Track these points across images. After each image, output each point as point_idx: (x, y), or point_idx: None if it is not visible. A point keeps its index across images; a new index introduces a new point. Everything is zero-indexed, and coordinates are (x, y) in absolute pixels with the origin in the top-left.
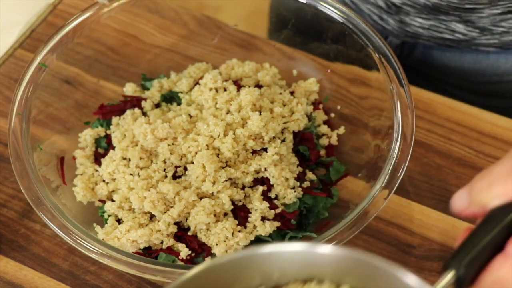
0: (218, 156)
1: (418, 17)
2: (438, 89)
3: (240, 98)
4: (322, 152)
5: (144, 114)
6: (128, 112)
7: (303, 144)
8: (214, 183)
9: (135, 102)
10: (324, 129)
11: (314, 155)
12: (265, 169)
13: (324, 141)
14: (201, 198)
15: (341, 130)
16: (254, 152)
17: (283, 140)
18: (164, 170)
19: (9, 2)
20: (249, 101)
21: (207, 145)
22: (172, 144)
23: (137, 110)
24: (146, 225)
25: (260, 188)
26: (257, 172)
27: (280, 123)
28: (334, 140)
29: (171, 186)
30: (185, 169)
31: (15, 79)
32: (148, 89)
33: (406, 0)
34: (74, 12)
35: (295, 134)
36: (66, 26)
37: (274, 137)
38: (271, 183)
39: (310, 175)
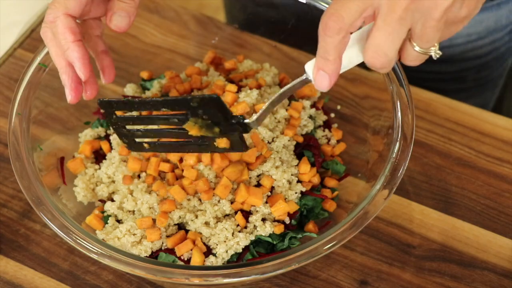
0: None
1: None
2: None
3: (240, 99)
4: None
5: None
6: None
7: (308, 149)
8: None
9: None
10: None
11: (318, 162)
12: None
13: (323, 141)
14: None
15: (339, 133)
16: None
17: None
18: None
19: (9, 2)
20: (249, 103)
21: None
22: None
23: (134, 113)
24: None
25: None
26: (259, 175)
27: (284, 126)
28: (333, 141)
29: (172, 191)
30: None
31: (15, 79)
32: (148, 89)
33: None
34: None
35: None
36: None
37: (274, 139)
38: (273, 185)
39: None
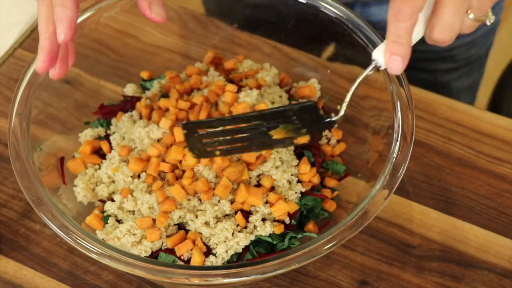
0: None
1: None
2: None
3: (240, 99)
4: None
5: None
6: (126, 115)
7: (309, 149)
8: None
9: (135, 102)
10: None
11: (318, 162)
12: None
13: (323, 141)
14: (200, 200)
15: (339, 133)
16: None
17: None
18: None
19: (9, 2)
20: (250, 103)
21: None
22: (171, 145)
23: (134, 113)
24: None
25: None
26: (259, 175)
27: None
28: (333, 141)
29: (172, 191)
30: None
31: (15, 79)
32: (148, 89)
33: None
34: None
35: None
36: None
37: None
38: (273, 185)
39: None
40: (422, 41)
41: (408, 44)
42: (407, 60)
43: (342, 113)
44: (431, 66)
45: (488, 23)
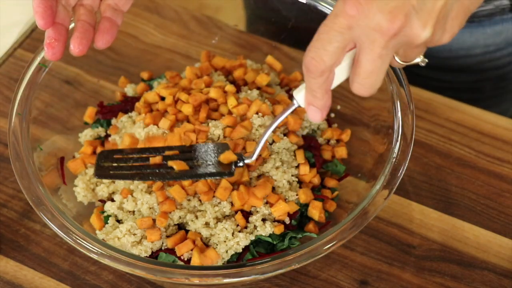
0: None
1: None
2: (408, 72)
3: (241, 99)
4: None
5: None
6: (126, 116)
7: (310, 150)
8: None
9: (134, 103)
10: (324, 127)
11: (319, 163)
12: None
13: (323, 141)
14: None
15: (339, 133)
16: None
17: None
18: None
19: (9, 2)
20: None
21: None
22: None
23: (134, 113)
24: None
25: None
26: (259, 176)
27: (284, 128)
28: (333, 141)
29: (172, 191)
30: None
31: (15, 79)
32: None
33: None
34: None
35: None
36: None
37: (274, 141)
38: (273, 185)
39: None
40: (448, 69)
41: (324, 97)
42: (326, 111)
43: (254, 157)
44: (455, 95)
45: (423, 64)
